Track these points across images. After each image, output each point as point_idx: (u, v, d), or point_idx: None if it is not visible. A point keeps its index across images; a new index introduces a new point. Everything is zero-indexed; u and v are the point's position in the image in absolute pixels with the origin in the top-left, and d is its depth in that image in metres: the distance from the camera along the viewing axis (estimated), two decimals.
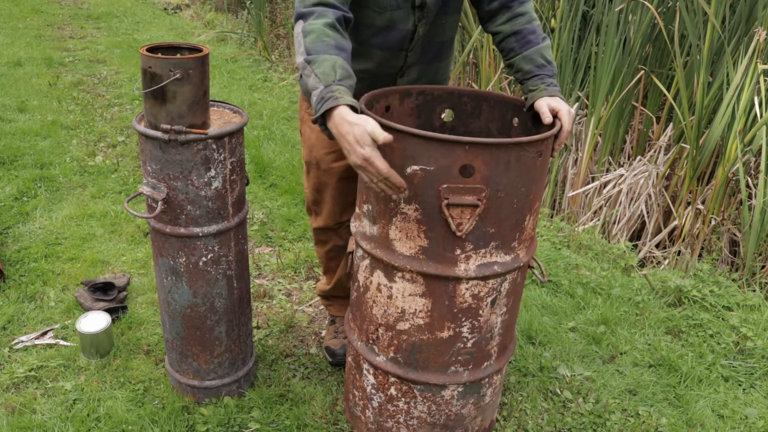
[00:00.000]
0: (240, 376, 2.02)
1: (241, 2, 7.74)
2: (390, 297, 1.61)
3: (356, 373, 1.81)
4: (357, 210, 1.68)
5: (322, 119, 1.36)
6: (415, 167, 1.41)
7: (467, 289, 1.54)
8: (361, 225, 1.64)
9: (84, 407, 1.96)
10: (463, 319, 1.59)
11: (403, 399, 1.72)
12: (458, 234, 1.45)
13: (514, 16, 1.68)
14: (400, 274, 1.56)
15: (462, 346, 1.63)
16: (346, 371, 1.93)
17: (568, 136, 1.57)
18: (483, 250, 1.50)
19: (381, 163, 1.32)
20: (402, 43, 1.68)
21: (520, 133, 1.77)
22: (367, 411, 1.81)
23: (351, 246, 1.73)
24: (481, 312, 1.59)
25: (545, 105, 1.59)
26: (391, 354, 1.67)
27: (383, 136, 1.30)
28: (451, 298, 1.55)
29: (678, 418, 2.08)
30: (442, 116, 1.86)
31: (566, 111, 1.57)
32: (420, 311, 1.58)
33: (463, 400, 1.72)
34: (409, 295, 1.57)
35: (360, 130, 1.30)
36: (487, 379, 1.73)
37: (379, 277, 1.61)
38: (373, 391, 1.77)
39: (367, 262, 1.64)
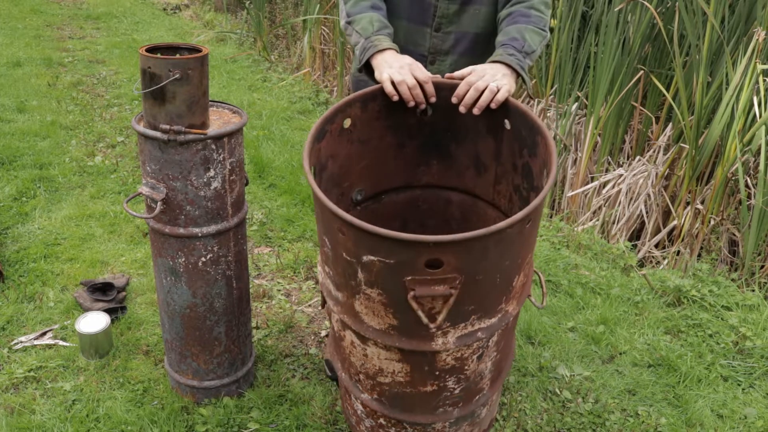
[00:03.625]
0: (239, 376, 2.02)
1: (241, 2, 7.73)
2: (365, 356, 1.48)
3: (346, 395, 1.75)
4: (320, 256, 1.45)
5: (366, 69, 1.58)
6: (371, 257, 1.18)
7: (448, 355, 1.41)
8: (326, 278, 1.44)
9: (83, 408, 1.96)
10: (447, 377, 1.46)
11: (393, 428, 1.64)
12: (431, 327, 1.25)
13: (515, 3, 1.70)
14: (372, 341, 1.41)
15: (449, 395, 1.52)
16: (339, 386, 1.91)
17: (470, 88, 1.46)
18: (462, 324, 1.33)
19: (420, 73, 1.49)
20: (425, 18, 1.69)
21: (512, 137, 1.55)
22: (361, 426, 1.77)
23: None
24: (466, 367, 1.46)
25: (469, 67, 1.51)
26: (375, 396, 1.58)
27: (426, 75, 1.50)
28: (431, 364, 1.41)
29: (677, 418, 2.08)
30: (418, 112, 1.65)
31: (480, 69, 1.48)
32: (399, 372, 1.46)
33: (456, 427, 1.67)
34: (385, 359, 1.44)
35: (407, 59, 1.53)
36: (481, 405, 1.65)
37: (351, 336, 1.47)
38: (363, 416, 1.70)
39: (337, 317, 1.48)
